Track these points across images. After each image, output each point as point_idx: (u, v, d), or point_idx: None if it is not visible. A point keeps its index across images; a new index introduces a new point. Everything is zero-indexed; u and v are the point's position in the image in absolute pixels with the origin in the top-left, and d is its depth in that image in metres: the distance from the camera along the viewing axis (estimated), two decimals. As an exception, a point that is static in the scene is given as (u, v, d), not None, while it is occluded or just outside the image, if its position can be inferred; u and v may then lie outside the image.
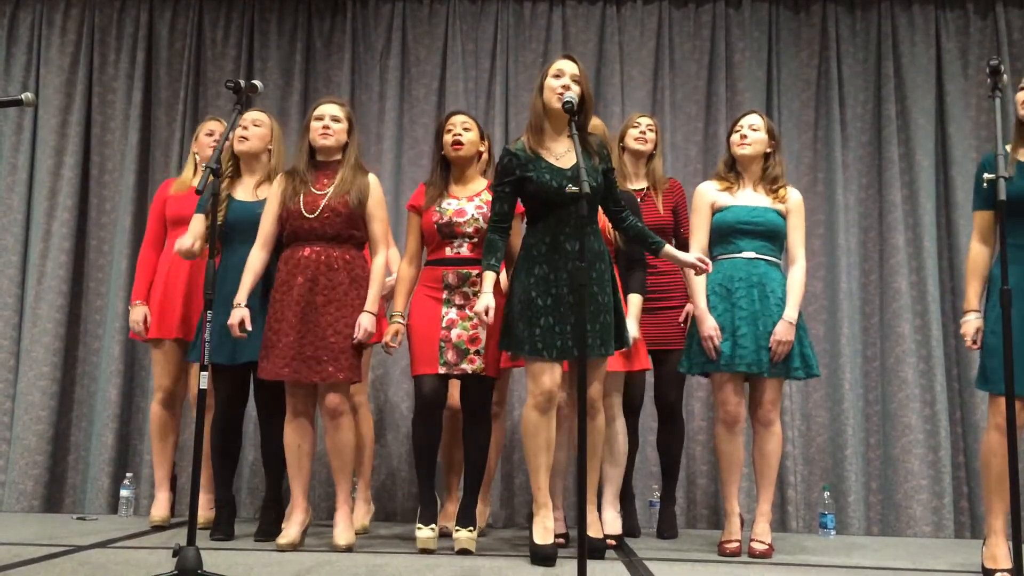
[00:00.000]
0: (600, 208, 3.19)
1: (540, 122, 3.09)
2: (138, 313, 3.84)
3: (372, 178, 3.35)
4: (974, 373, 4.07)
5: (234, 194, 3.50)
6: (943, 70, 4.82)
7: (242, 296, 3.21)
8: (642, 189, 3.86)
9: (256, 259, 3.28)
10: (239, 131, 3.51)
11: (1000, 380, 2.84)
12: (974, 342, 3.04)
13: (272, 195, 3.32)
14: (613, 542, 3.43)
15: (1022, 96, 2.99)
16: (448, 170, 3.44)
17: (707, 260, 3.07)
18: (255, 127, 3.55)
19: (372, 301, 3.23)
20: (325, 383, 3.20)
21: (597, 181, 3.04)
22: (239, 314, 3.17)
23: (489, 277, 3.04)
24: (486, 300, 3.00)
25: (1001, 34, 4.81)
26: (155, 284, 3.85)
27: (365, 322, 3.18)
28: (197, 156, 3.96)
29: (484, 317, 2.98)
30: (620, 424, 3.58)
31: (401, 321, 3.35)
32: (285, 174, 3.35)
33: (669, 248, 3.11)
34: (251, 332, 3.25)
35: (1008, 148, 3.06)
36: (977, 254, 3.07)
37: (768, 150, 3.45)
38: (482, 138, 3.51)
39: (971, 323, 3.03)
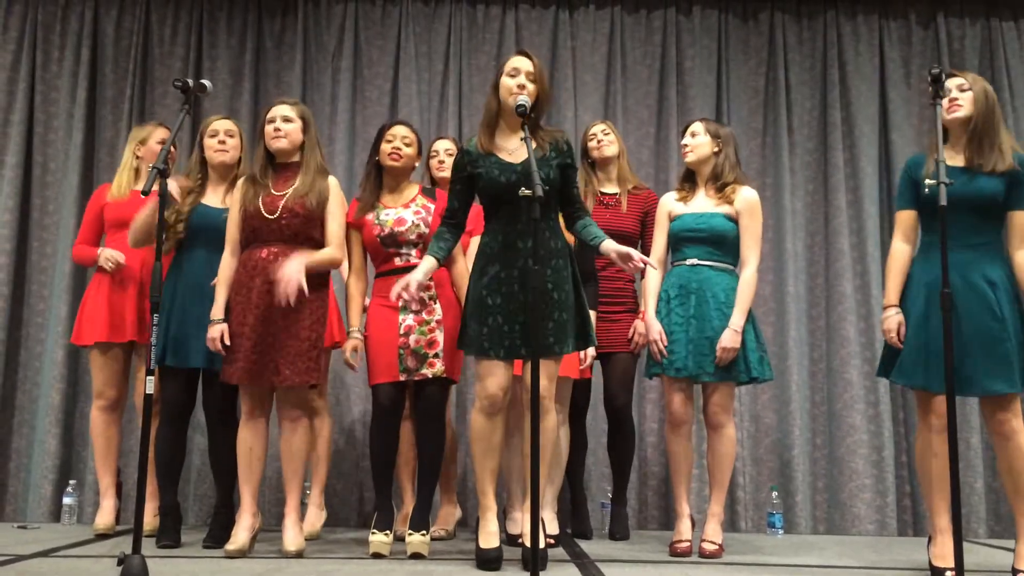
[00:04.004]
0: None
1: (493, 119, 3.07)
2: (107, 251, 3.73)
3: (332, 180, 3.32)
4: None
5: (204, 200, 3.47)
6: (886, 78, 4.94)
7: (218, 311, 3.19)
8: (614, 194, 3.91)
9: (227, 267, 3.25)
10: (215, 143, 3.47)
11: (916, 374, 2.94)
12: (899, 337, 3.06)
13: (234, 201, 3.30)
14: (552, 541, 3.46)
15: (946, 102, 3.06)
16: (380, 179, 3.43)
17: (636, 254, 2.89)
18: (230, 138, 3.51)
19: (311, 255, 3.16)
20: (282, 387, 3.17)
21: (549, 177, 3.00)
22: (218, 329, 3.15)
23: (426, 260, 2.99)
24: (409, 276, 2.92)
25: (942, 44, 4.94)
26: (99, 289, 3.77)
27: (292, 265, 3.08)
28: (139, 160, 3.87)
29: (402, 292, 2.89)
30: (564, 430, 3.63)
31: (359, 337, 3.33)
32: (245, 179, 3.32)
33: (608, 242, 2.96)
34: (198, 335, 3.22)
35: (929, 152, 3.14)
36: (899, 252, 3.12)
37: (715, 150, 3.50)
38: (419, 153, 3.50)
39: (893, 318, 3.04)
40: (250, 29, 4.92)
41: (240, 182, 3.34)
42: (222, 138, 3.49)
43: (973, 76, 3.09)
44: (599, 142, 3.92)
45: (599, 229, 3.06)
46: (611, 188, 3.94)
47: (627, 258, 2.89)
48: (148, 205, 3.33)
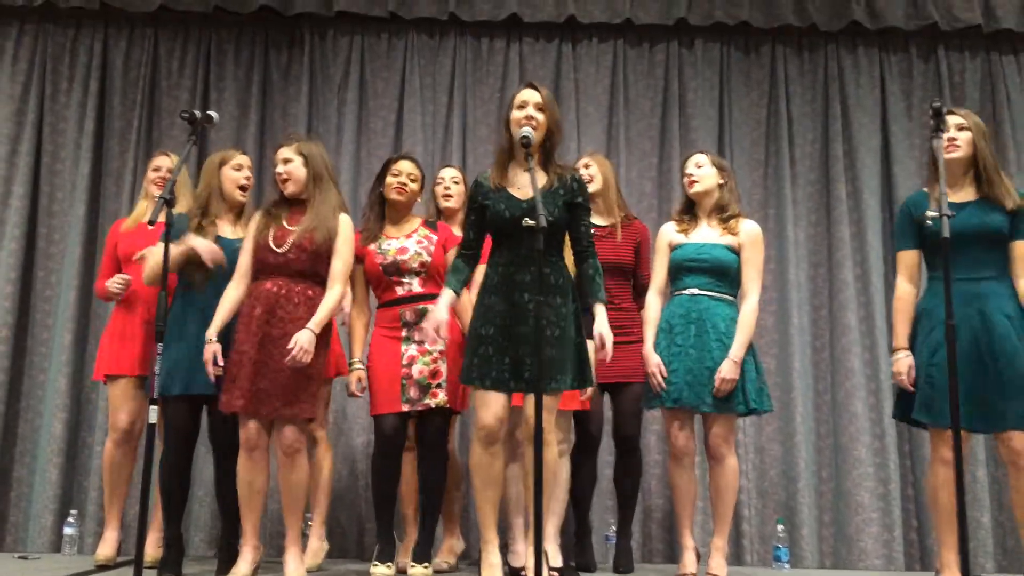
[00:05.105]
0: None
1: (506, 155, 3.08)
2: (115, 280, 3.69)
3: (344, 218, 3.30)
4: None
5: (221, 233, 3.45)
6: (888, 111, 4.96)
7: (212, 330, 3.18)
8: (606, 226, 3.90)
9: (231, 294, 3.25)
10: (241, 177, 3.49)
11: (944, 412, 2.91)
12: (910, 380, 3.08)
13: (248, 232, 3.32)
14: (556, 574, 3.42)
15: (937, 141, 3.08)
16: (383, 211, 3.46)
17: (607, 347, 2.95)
18: (249, 171, 3.55)
19: (316, 322, 3.12)
20: (280, 418, 3.16)
21: (553, 213, 3.01)
22: (211, 349, 3.14)
23: (445, 294, 3.00)
24: (436, 317, 2.93)
25: (943, 77, 4.97)
26: (113, 320, 3.78)
27: (302, 339, 3.07)
28: (144, 191, 3.92)
29: (435, 334, 2.91)
30: (564, 461, 3.60)
31: (361, 367, 3.33)
32: (261, 212, 3.34)
33: (597, 309, 3.02)
34: (202, 365, 3.22)
35: (928, 188, 3.17)
36: (907, 293, 3.15)
37: (720, 182, 3.51)
38: (422, 188, 3.55)
39: (903, 361, 3.08)
40: (257, 61, 4.97)
41: (256, 214, 3.36)
42: (247, 173, 3.53)
43: (966, 112, 3.15)
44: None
45: (600, 287, 3.06)
46: (601, 220, 3.91)
47: (602, 342, 2.94)
48: (160, 251, 3.31)
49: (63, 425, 4.47)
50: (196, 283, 3.34)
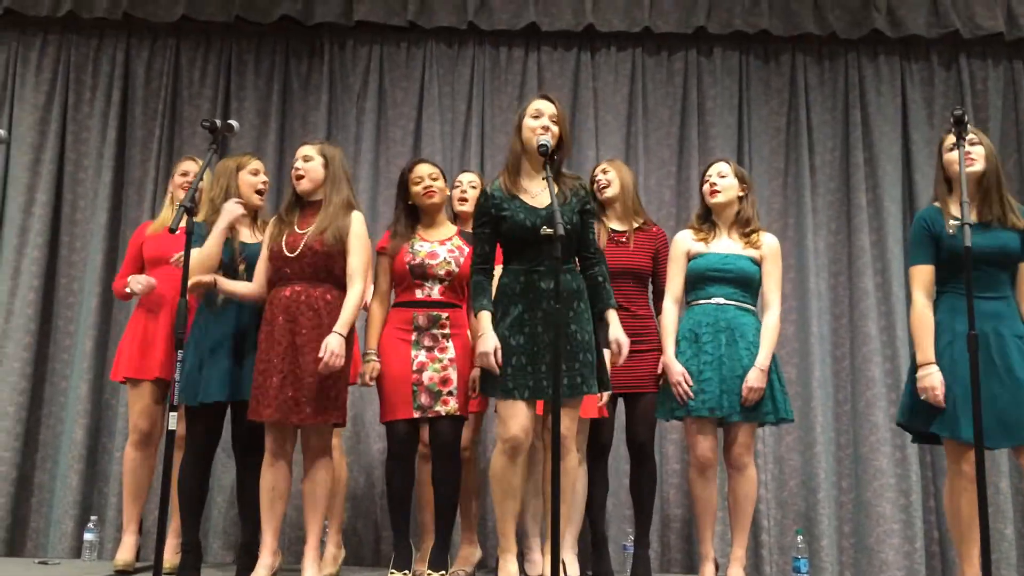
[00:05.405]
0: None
1: (517, 162, 3.09)
2: (135, 276, 3.74)
3: (355, 215, 3.31)
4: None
5: (241, 238, 3.48)
6: (909, 119, 4.93)
7: (218, 278, 3.23)
8: (623, 231, 3.89)
9: (250, 283, 3.30)
10: (258, 182, 3.53)
11: (965, 427, 2.88)
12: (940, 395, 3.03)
13: (264, 240, 3.34)
14: None
15: (949, 156, 3.08)
16: (415, 217, 3.48)
17: (623, 352, 3.02)
18: (265, 175, 3.59)
19: (342, 324, 3.12)
20: (305, 424, 3.16)
21: (571, 221, 3.04)
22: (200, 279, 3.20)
23: (485, 317, 2.98)
24: (492, 340, 2.93)
25: (964, 85, 4.94)
26: (134, 324, 3.80)
27: (332, 343, 3.07)
28: (171, 195, 3.96)
29: (491, 360, 2.92)
30: (582, 470, 3.58)
31: (376, 358, 3.34)
32: (274, 219, 3.36)
33: (610, 315, 3.07)
34: (220, 369, 3.23)
35: (939, 204, 3.15)
36: (925, 307, 3.10)
37: (740, 194, 3.50)
38: (446, 182, 3.57)
39: (936, 376, 2.99)
40: (277, 71, 5.00)
41: (271, 221, 3.38)
42: (264, 178, 3.56)
43: (975, 129, 3.12)
44: (598, 183, 3.91)
45: (611, 293, 3.11)
46: (619, 226, 3.91)
47: (619, 347, 3.01)
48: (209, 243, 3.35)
49: (84, 431, 4.50)
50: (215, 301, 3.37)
